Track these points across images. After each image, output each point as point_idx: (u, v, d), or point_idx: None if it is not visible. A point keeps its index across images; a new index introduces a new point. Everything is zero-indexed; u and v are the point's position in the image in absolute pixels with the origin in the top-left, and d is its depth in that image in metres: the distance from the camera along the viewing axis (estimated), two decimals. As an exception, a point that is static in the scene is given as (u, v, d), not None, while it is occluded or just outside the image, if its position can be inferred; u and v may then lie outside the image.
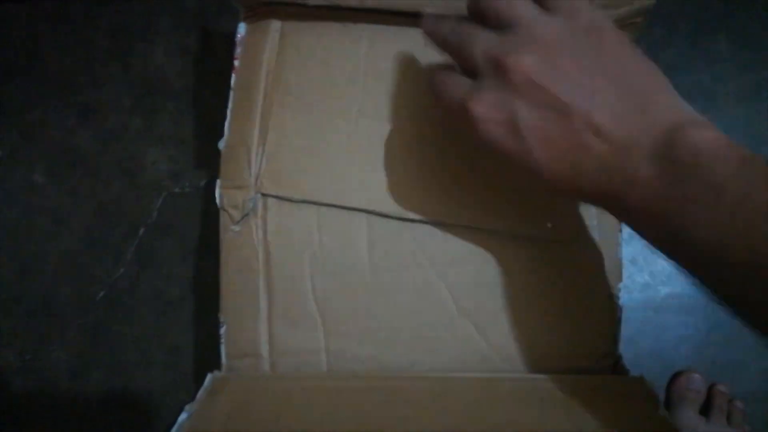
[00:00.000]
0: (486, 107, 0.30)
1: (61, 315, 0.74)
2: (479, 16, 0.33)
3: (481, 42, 0.31)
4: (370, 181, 0.41)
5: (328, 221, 0.41)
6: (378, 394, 0.36)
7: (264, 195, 0.41)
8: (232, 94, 0.43)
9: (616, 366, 0.42)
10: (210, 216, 0.51)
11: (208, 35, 0.70)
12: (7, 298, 0.74)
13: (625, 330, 0.73)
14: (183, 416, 0.35)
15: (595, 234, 0.41)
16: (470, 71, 0.32)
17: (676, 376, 0.73)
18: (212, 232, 0.46)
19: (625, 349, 0.72)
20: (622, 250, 0.43)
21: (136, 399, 0.72)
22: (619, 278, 0.43)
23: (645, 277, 0.72)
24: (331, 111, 0.42)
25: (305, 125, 0.42)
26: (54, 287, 0.74)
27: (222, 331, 0.41)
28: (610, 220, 0.42)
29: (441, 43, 0.34)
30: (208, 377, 0.39)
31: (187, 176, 0.73)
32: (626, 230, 0.72)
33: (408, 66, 0.41)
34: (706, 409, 0.72)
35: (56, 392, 0.73)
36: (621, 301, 0.70)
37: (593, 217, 0.41)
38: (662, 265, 0.72)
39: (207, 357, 0.66)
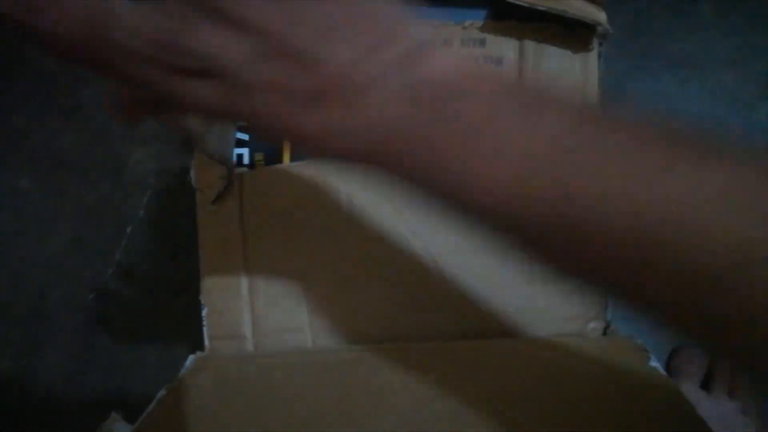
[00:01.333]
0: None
1: (53, 319, 0.74)
2: None
3: None
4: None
5: (304, 194, 0.40)
6: (364, 365, 0.36)
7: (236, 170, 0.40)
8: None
9: (606, 331, 0.42)
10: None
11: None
12: (-2, 304, 0.74)
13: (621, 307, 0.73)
14: (161, 393, 0.35)
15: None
16: None
17: (675, 350, 0.72)
18: (200, 227, 0.46)
19: (622, 327, 0.71)
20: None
21: (131, 398, 0.72)
22: (605, 240, 0.42)
23: (638, 250, 0.71)
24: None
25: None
26: (45, 291, 0.74)
27: (204, 313, 0.41)
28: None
29: None
30: (190, 358, 0.39)
31: (172, 173, 0.72)
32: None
33: None
34: (707, 383, 0.71)
35: (52, 396, 0.72)
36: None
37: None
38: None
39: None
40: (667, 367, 0.72)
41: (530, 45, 0.43)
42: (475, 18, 0.43)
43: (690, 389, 0.70)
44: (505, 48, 0.43)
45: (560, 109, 0.22)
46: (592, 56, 0.42)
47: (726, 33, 0.67)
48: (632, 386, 0.34)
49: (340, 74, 0.23)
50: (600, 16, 0.41)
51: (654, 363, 0.36)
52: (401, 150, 0.24)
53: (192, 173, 0.41)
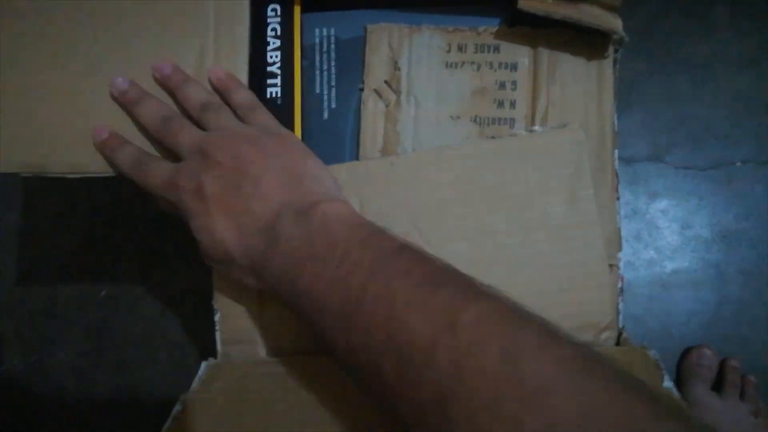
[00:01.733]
0: (186, 181, 0.37)
1: (64, 316, 0.74)
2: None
3: (189, 134, 0.38)
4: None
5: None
6: None
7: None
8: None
9: (619, 340, 0.41)
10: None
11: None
12: (10, 300, 0.74)
13: (633, 308, 0.73)
14: (177, 408, 0.35)
15: (591, 202, 0.41)
16: (173, 154, 0.40)
17: (686, 352, 0.72)
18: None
19: (633, 328, 0.71)
20: (620, 218, 0.42)
21: (142, 397, 0.72)
22: (619, 247, 0.42)
23: (650, 253, 0.71)
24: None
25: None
26: (56, 288, 0.74)
27: (216, 318, 0.41)
28: (606, 188, 0.41)
29: (151, 126, 0.40)
30: (203, 366, 0.39)
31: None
32: (629, 206, 0.71)
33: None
34: (718, 385, 0.71)
35: (62, 393, 0.73)
36: (624, 275, 0.70)
37: (589, 186, 0.40)
38: (667, 240, 0.70)
39: (212, 351, 0.67)
40: (678, 369, 0.72)
41: (544, 52, 0.42)
42: (490, 24, 0.43)
43: (702, 391, 0.70)
44: (519, 54, 0.43)
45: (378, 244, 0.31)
46: (608, 63, 0.42)
47: (741, 35, 0.66)
48: None
49: (265, 196, 0.36)
50: (615, 22, 0.40)
51: (668, 383, 0.35)
52: (281, 254, 0.33)
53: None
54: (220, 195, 0.36)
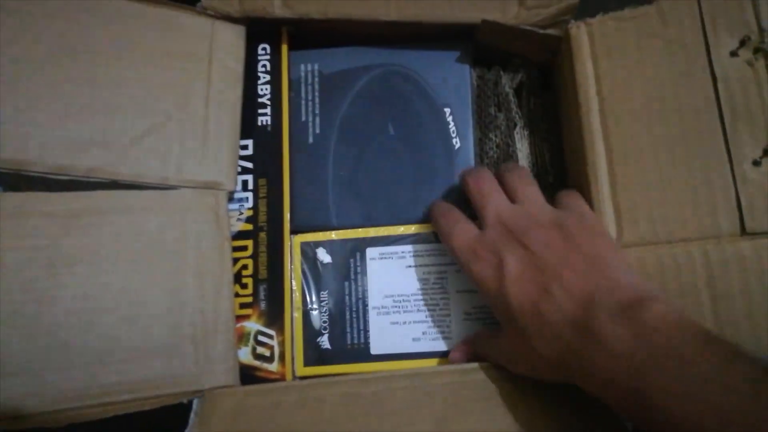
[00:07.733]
0: (485, 252, 0.38)
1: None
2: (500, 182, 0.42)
3: (495, 204, 0.40)
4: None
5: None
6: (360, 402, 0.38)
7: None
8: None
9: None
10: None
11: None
12: None
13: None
14: None
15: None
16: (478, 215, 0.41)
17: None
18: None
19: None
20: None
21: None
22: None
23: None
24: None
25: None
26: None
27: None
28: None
29: (464, 185, 0.43)
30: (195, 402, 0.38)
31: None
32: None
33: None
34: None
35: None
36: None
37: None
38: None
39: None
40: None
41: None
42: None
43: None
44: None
45: (751, 360, 0.27)
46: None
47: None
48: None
49: (565, 283, 0.34)
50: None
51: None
52: (607, 357, 0.30)
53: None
54: (518, 274, 0.36)
